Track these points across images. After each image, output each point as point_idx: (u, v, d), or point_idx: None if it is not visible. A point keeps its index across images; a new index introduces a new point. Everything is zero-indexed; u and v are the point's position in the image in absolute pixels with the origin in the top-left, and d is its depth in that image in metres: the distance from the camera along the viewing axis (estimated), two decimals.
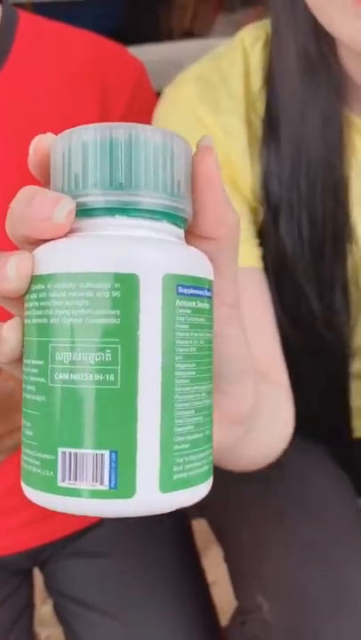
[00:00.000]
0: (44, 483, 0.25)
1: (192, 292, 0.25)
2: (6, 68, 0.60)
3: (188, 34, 1.60)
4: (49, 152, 0.27)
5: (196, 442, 0.26)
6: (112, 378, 0.24)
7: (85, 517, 0.72)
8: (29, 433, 0.26)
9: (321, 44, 0.52)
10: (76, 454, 0.24)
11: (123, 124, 0.25)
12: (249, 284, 0.53)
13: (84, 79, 0.62)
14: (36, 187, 0.26)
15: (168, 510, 0.26)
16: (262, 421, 0.42)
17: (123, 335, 0.24)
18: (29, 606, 0.73)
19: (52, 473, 0.25)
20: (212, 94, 0.55)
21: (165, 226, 0.26)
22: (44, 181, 0.28)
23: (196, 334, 0.26)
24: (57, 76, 0.62)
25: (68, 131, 0.26)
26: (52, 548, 0.71)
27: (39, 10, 0.75)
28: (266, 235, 0.56)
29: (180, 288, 0.25)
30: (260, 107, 0.56)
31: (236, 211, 0.29)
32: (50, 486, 0.25)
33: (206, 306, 0.26)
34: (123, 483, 0.24)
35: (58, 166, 0.26)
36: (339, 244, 0.56)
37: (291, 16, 0.52)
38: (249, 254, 0.54)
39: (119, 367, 0.24)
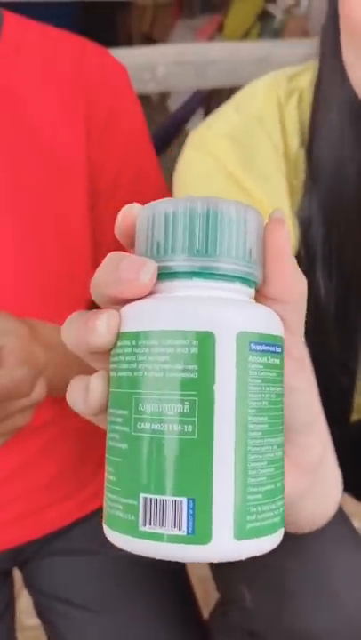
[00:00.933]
0: (127, 526, 0.26)
1: (264, 348, 0.27)
2: None
3: (148, 38, 1.61)
4: (135, 221, 0.29)
5: (269, 492, 0.27)
6: (190, 429, 0.26)
7: (67, 516, 0.72)
8: (113, 478, 0.27)
9: None
10: (156, 500, 0.26)
11: (202, 197, 0.27)
12: None
13: (69, 80, 0.63)
14: (123, 252, 0.28)
15: (241, 558, 0.27)
16: (322, 475, 0.44)
17: (200, 388, 0.26)
18: (11, 606, 0.73)
19: (133, 517, 0.26)
20: (250, 153, 0.53)
21: (238, 287, 0.28)
22: (129, 247, 0.30)
23: (267, 388, 0.27)
24: (42, 76, 0.62)
25: (153, 202, 0.28)
26: (34, 546, 0.71)
27: None
28: None
29: (252, 345, 0.27)
30: (300, 165, 0.54)
31: (303, 277, 0.30)
32: (132, 530, 0.26)
33: (277, 361, 0.28)
34: (200, 529, 0.26)
35: (142, 233, 0.28)
36: None
37: (338, 69, 0.49)
38: None
39: (196, 419, 0.26)
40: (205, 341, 0.26)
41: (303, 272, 0.62)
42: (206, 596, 0.73)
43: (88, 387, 0.29)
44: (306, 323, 0.57)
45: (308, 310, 0.58)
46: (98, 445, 0.73)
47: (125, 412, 0.27)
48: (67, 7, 1.53)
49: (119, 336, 0.27)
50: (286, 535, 0.61)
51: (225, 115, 0.56)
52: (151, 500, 0.26)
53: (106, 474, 0.28)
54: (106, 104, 0.64)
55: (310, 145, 0.53)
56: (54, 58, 0.63)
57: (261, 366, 0.27)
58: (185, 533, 0.26)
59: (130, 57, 0.67)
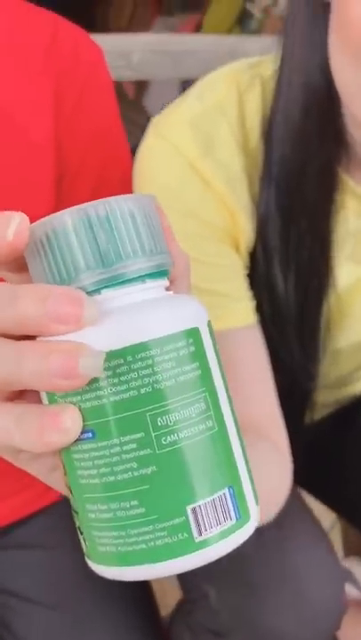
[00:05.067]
0: (179, 547, 0.25)
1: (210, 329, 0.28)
2: None
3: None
4: (26, 239, 0.25)
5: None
6: (210, 423, 0.26)
7: (23, 507, 0.70)
8: (139, 511, 0.25)
9: (333, 106, 0.51)
10: (205, 504, 0.25)
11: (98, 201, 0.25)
12: (247, 343, 0.54)
13: (41, 60, 0.61)
14: (47, 288, 0.25)
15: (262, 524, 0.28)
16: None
17: (206, 382, 0.26)
18: None
19: (185, 534, 0.25)
20: (213, 147, 0.53)
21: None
22: (15, 265, 0.27)
23: (220, 364, 0.28)
24: (14, 55, 0.60)
25: (44, 220, 0.26)
26: None
27: None
28: (259, 281, 0.56)
29: (209, 329, 0.28)
30: (259, 158, 0.54)
31: (185, 252, 0.30)
32: (187, 547, 0.25)
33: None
34: (243, 512, 0.27)
35: (70, 246, 0.25)
36: (321, 294, 0.58)
37: (307, 66, 0.50)
38: (245, 312, 0.54)
39: (212, 412, 0.26)
40: (196, 336, 0.26)
41: (260, 274, 0.60)
42: (164, 595, 0.71)
43: (63, 426, 0.25)
44: (265, 314, 0.56)
45: (267, 302, 0.56)
46: None
47: (140, 435, 0.24)
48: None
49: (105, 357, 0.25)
50: None
51: (187, 102, 0.55)
52: (200, 507, 0.25)
53: (100, 513, 0.26)
54: (78, 83, 0.62)
55: (270, 141, 0.53)
56: (25, 30, 0.61)
57: (213, 341, 0.28)
58: (235, 521, 0.26)
59: (104, 43, 0.64)
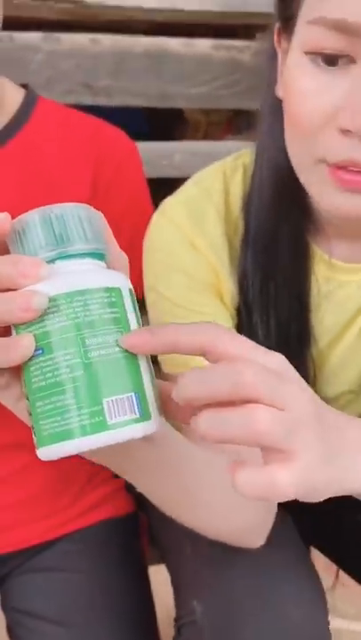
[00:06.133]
0: (97, 426, 0.37)
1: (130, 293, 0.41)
2: (24, 132, 0.74)
3: None
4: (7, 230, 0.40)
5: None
6: (123, 349, 0.38)
7: (43, 533, 0.77)
8: (70, 401, 0.37)
9: (297, 182, 0.60)
10: (116, 400, 0.37)
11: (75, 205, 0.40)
12: None
13: (83, 152, 0.76)
14: (19, 257, 0.38)
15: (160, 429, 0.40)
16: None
17: (121, 323, 0.39)
18: None
19: (101, 418, 0.37)
20: (202, 220, 0.67)
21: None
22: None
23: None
24: (62, 147, 0.76)
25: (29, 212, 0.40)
26: (11, 563, 0.76)
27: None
28: (243, 332, 0.67)
29: (130, 292, 0.41)
30: (240, 227, 0.67)
31: (125, 255, 0.44)
32: (102, 427, 0.37)
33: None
34: (144, 412, 0.38)
35: (35, 234, 0.39)
36: (301, 344, 0.67)
37: (273, 149, 0.62)
38: None
39: None
40: (117, 293, 0.39)
41: (242, 325, 0.71)
42: (167, 615, 0.75)
43: (21, 343, 0.38)
44: None
45: None
46: (79, 475, 0.80)
47: (73, 350, 0.37)
48: (132, 116, 1.74)
49: (52, 298, 0.37)
50: (238, 550, 0.68)
51: (186, 187, 0.70)
52: (112, 401, 0.37)
53: (50, 401, 0.37)
54: (113, 165, 0.77)
55: (248, 213, 0.64)
56: (73, 133, 0.77)
57: (134, 303, 0.41)
58: (138, 416, 0.38)
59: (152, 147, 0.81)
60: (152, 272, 0.67)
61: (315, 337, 0.66)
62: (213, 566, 0.63)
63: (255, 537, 0.59)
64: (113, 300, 0.39)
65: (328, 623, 0.62)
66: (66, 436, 0.37)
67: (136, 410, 0.38)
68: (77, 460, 0.81)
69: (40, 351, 0.37)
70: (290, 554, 0.66)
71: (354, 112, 0.50)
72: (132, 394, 0.38)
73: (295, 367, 0.66)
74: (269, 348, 0.67)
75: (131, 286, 0.41)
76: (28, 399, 0.39)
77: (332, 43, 0.50)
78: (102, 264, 0.41)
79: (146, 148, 0.90)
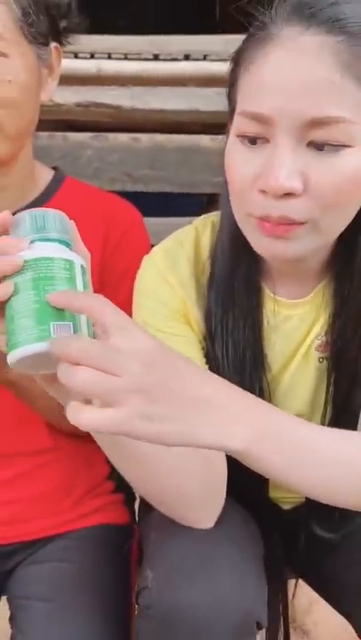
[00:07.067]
0: (44, 338, 0.53)
1: (81, 265, 0.57)
2: (50, 203, 0.94)
3: None
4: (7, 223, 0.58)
5: None
6: None
7: (47, 528, 0.90)
8: (30, 322, 0.53)
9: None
10: (59, 325, 0.53)
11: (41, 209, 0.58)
12: None
13: (98, 217, 0.95)
14: (9, 237, 0.58)
15: None
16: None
17: (71, 283, 0.55)
18: None
19: (48, 333, 0.53)
20: (174, 263, 0.81)
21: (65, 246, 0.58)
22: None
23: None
24: (81, 213, 0.95)
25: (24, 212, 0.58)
26: (17, 557, 0.90)
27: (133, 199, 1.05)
28: (207, 357, 0.79)
29: (82, 270, 0.57)
30: (207, 269, 0.81)
31: (87, 250, 0.62)
32: (47, 338, 0.53)
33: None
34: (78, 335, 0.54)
35: (22, 224, 0.57)
36: (256, 369, 0.79)
37: (230, 210, 0.74)
38: None
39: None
40: (71, 264, 0.56)
41: (208, 344, 0.88)
42: None
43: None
44: None
45: None
46: (86, 477, 0.94)
47: (35, 291, 0.54)
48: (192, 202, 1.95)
49: (28, 261, 0.55)
50: (191, 530, 0.83)
51: (166, 240, 0.87)
52: (57, 325, 0.53)
53: (15, 319, 0.54)
54: (120, 231, 0.95)
55: (214, 259, 0.82)
56: (91, 206, 0.95)
57: (83, 274, 0.57)
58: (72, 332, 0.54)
59: None
60: (137, 301, 0.83)
61: (268, 364, 0.80)
62: (166, 541, 0.72)
63: (199, 511, 0.70)
64: (67, 267, 0.55)
65: (262, 596, 0.70)
66: (25, 343, 0.53)
67: (72, 333, 0.54)
68: (80, 467, 0.95)
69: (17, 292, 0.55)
70: (242, 546, 0.75)
71: (267, 177, 0.66)
72: (71, 324, 0.54)
73: (253, 391, 0.70)
74: (229, 372, 0.81)
75: (83, 263, 0.57)
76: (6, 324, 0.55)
77: (252, 128, 0.66)
78: (67, 249, 0.57)
79: None
